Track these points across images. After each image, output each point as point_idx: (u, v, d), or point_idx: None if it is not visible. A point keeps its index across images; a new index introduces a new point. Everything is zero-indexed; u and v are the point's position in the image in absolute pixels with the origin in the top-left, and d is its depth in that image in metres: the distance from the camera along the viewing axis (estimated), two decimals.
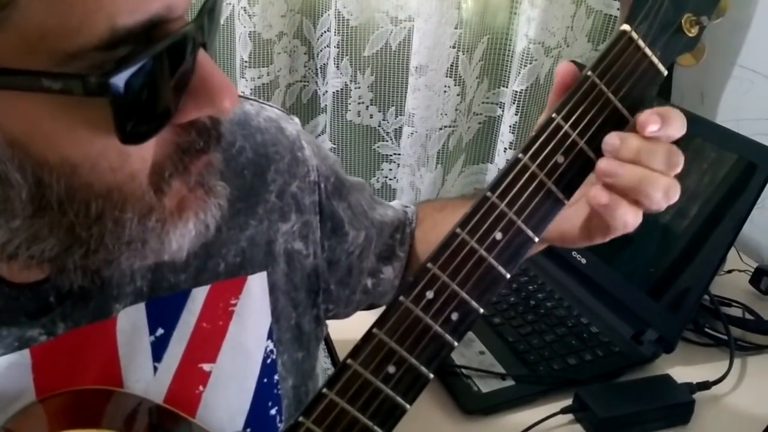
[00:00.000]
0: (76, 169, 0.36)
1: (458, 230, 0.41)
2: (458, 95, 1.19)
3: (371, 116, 1.21)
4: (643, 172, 0.43)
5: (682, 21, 0.44)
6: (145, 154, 0.38)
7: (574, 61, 0.46)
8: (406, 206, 0.72)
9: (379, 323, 0.41)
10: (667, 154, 0.43)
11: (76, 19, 0.31)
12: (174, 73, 0.36)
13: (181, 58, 0.36)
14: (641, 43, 0.43)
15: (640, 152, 0.42)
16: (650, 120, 0.42)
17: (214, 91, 0.38)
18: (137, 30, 0.33)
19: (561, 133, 0.42)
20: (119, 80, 0.33)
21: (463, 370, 0.81)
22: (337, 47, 1.13)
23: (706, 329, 0.92)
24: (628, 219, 0.44)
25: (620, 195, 0.43)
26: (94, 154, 0.36)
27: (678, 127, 0.43)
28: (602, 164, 0.43)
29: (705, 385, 0.81)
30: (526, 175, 0.42)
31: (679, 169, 0.44)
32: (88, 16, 0.32)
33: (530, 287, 0.99)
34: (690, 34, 0.45)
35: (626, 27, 0.42)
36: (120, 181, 0.37)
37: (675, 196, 0.44)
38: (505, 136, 1.21)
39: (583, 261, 0.98)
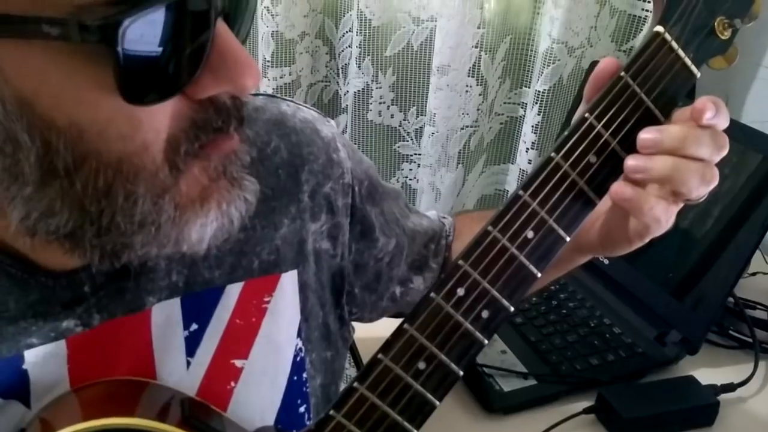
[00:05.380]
0: (83, 134, 0.35)
1: (490, 228, 0.42)
2: (480, 95, 1.19)
3: (392, 116, 1.21)
4: (675, 161, 0.42)
5: (715, 23, 0.44)
6: (158, 125, 0.36)
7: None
8: (444, 217, 0.71)
9: (410, 319, 0.42)
10: (712, 137, 0.43)
11: None
12: (185, 36, 0.34)
13: (195, 23, 0.34)
14: (674, 44, 0.43)
15: (685, 139, 0.42)
16: (707, 106, 0.42)
17: (234, 67, 0.36)
18: None
19: (594, 133, 0.42)
20: (120, 27, 0.32)
21: (485, 369, 0.81)
22: (359, 47, 1.14)
23: (731, 331, 0.92)
24: (657, 213, 0.43)
25: (652, 189, 0.43)
26: (102, 118, 0.35)
27: (725, 117, 0.43)
28: (630, 161, 0.42)
29: (729, 387, 0.81)
30: (559, 174, 0.42)
31: (725, 151, 0.44)
32: None
33: (552, 287, 0.99)
34: (723, 37, 0.44)
35: (660, 28, 0.42)
36: (131, 151, 0.36)
37: (714, 179, 0.43)
38: (527, 137, 1.21)
39: (606, 261, 0.98)
